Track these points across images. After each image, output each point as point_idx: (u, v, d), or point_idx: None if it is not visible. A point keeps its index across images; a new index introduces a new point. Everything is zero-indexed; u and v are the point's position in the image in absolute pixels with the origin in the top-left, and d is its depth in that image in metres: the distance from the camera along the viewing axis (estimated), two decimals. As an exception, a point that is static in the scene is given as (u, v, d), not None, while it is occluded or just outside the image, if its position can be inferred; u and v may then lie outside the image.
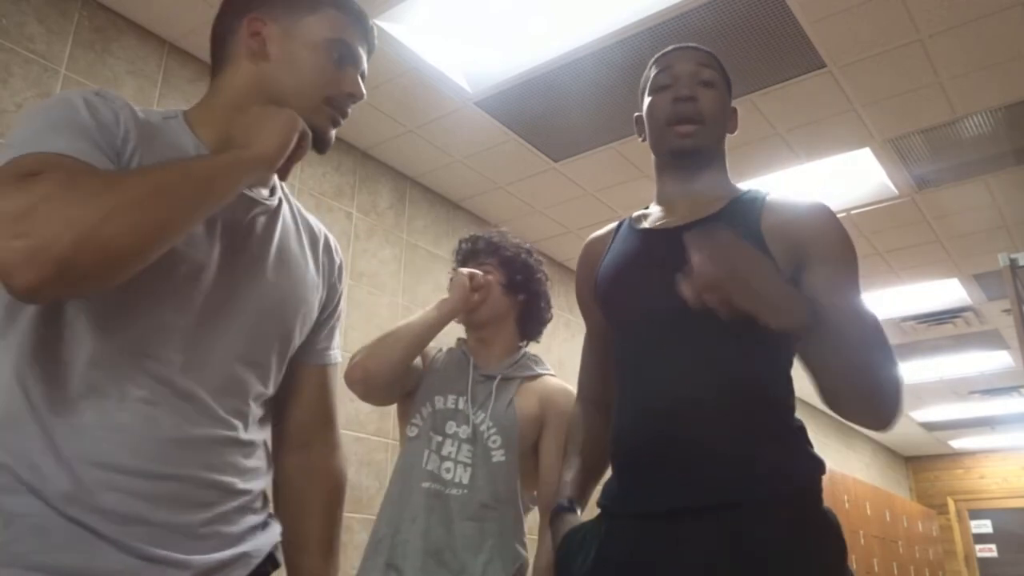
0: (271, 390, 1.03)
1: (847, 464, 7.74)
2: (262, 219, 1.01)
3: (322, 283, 1.10)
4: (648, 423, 1.10)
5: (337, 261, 1.15)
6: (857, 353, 0.99)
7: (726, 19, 2.51)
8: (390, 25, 2.61)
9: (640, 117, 1.29)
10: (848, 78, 2.83)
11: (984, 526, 8.95)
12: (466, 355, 1.70)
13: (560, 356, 4.23)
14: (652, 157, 1.29)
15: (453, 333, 1.75)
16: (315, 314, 1.08)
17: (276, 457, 1.07)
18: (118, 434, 0.84)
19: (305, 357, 1.10)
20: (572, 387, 1.68)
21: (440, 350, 1.74)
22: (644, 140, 1.28)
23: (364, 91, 1.03)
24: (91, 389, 0.84)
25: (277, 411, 1.07)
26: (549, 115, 3.08)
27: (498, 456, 1.54)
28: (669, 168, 1.26)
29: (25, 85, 2.29)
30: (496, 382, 1.63)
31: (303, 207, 1.13)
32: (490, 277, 1.65)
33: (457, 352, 1.73)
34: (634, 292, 1.19)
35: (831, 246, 1.11)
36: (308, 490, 1.10)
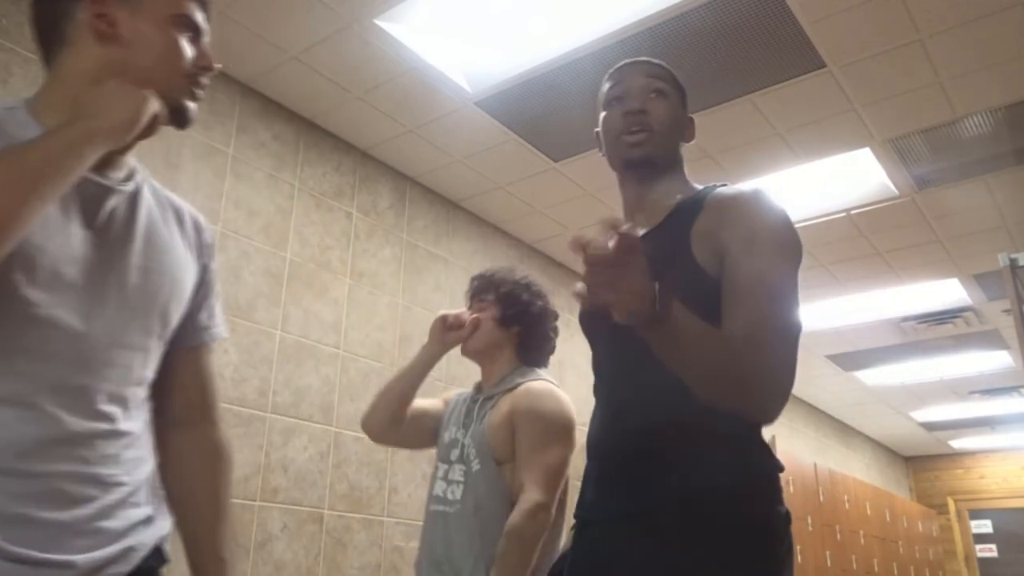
0: (151, 373, 1.03)
1: (847, 464, 7.74)
2: (122, 205, 0.99)
3: (194, 263, 1.10)
4: (608, 435, 1.17)
5: (207, 240, 1.15)
6: (708, 359, 0.97)
7: (726, 19, 2.51)
8: (390, 25, 2.62)
9: (598, 132, 1.33)
10: (848, 78, 2.83)
11: (984, 526, 8.95)
12: (476, 388, 1.88)
13: (559, 356, 4.22)
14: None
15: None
16: (188, 294, 1.08)
17: (161, 437, 1.08)
18: None
19: (184, 339, 1.10)
20: (554, 389, 1.72)
21: (461, 392, 1.93)
22: (604, 155, 1.31)
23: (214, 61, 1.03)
24: None
25: (159, 393, 1.07)
26: (549, 115, 3.08)
27: (475, 466, 1.68)
28: (626, 180, 1.29)
29: (25, 85, 2.29)
30: (479, 403, 1.78)
31: (167, 188, 1.12)
32: (475, 315, 1.84)
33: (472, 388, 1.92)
34: (598, 327, 1.26)
35: (742, 231, 1.08)
36: (195, 464, 1.12)
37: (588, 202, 3.76)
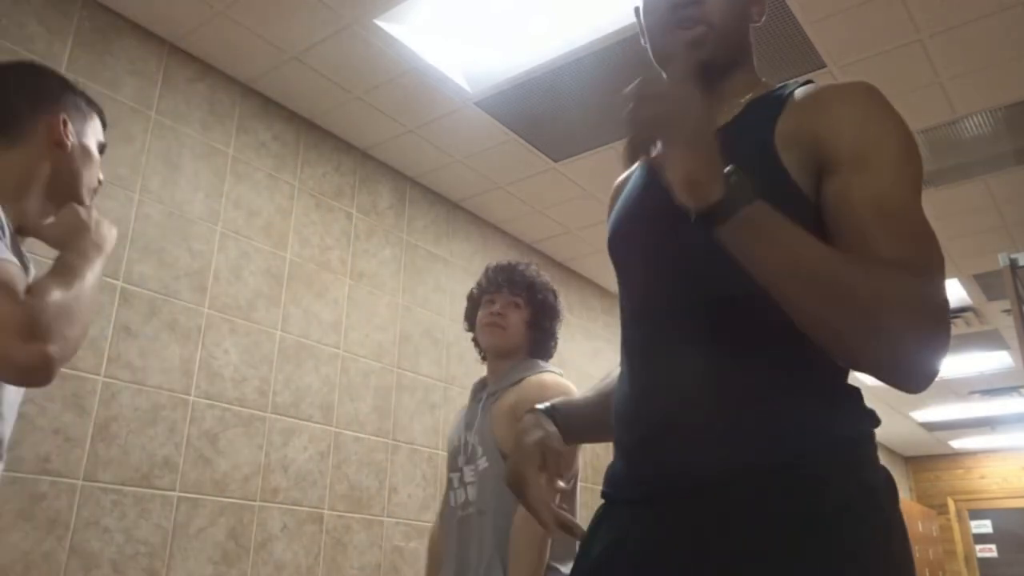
0: None
1: (847, 464, 7.74)
2: None
3: None
4: (638, 400, 0.92)
5: None
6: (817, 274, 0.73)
7: (726, 19, 2.52)
8: (390, 25, 2.62)
9: (637, 9, 1.05)
10: (848, 78, 2.82)
11: (984, 526, 8.96)
12: (478, 387, 1.87)
13: (560, 356, 4.23)
14: None
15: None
16: None
17: None
18: None
19: None
20: (562, 381, 1.71)
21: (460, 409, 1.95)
22: (645, 43, 1.04)
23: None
24: None
25: None
26: (549, 115, 3.08)
27: (482, 464, 1.65)
28: None
29: (25, 85, 2.29)
30: (483, 401, 1.76)
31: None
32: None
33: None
34: (632, 242, 1.00)
35: (851, 142, 0.81)
36: None
37: (588, 202, 3.76)
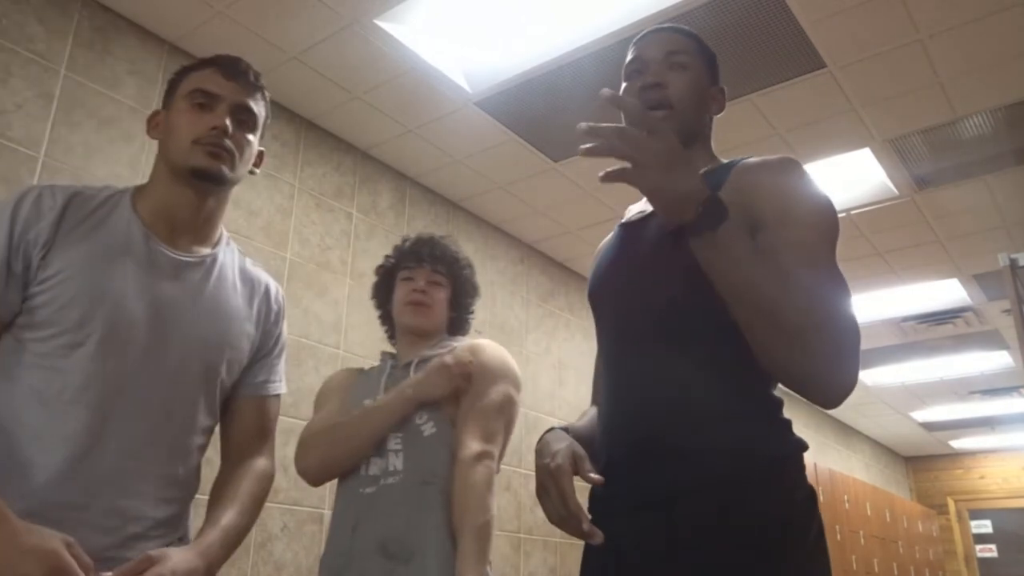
0: (206, 420, 1.22)
1: (847, 464, 7.74)
2: (194, 275, 1.21)
3: (254, 329, 1.28)
4: (616, 424, 1.11)
5: (275, 308, 1.34)
6: (770, 290, 0.92)
7: (726, 19, 2.51)
8: (390, 25, 2.62)
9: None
10: (848, 78, 2.83)
11: (984, 526, 8.95)
12: (384, 360, 1.70)
13: (560, 356, 4.23)
14: None
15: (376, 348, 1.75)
16: (246, 355, 1.27)
17: (221, 467, 1.27)
18: None
19: (243, 390, 1.30)
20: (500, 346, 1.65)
21: (363, 369, 1.76)
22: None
23: (226, 122, 1.19)
24: None
25: (225, 432, 1.29)
26: (549, 115, 3.08)
27: (428, 429, 1.52)
28: None
29: (25, 85, 2.29)
30: (414, 365, 1.60)
31: (251, 261, 1.34)
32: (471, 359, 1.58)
33: (379, 362, 1.73)
34: (607, 289, 1.19)
35: (777, 205, 1.01)
36: (239, 477, 1.25)
37: (588, 202, 3.76)
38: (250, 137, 1.24)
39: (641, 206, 1.25)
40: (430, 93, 2.96)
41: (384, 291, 1.77)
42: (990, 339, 5.47)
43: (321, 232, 3.13)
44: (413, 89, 2.93)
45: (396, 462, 1.50)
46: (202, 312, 1.20)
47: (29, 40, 2.32)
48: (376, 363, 1.75)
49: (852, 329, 0.94)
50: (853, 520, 6.23)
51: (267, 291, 1.33)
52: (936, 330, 5.34)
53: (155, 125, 1.25)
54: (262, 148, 1.31)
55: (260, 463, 1.28)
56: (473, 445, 1.47)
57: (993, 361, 5.94)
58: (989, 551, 8.84)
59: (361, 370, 1.76)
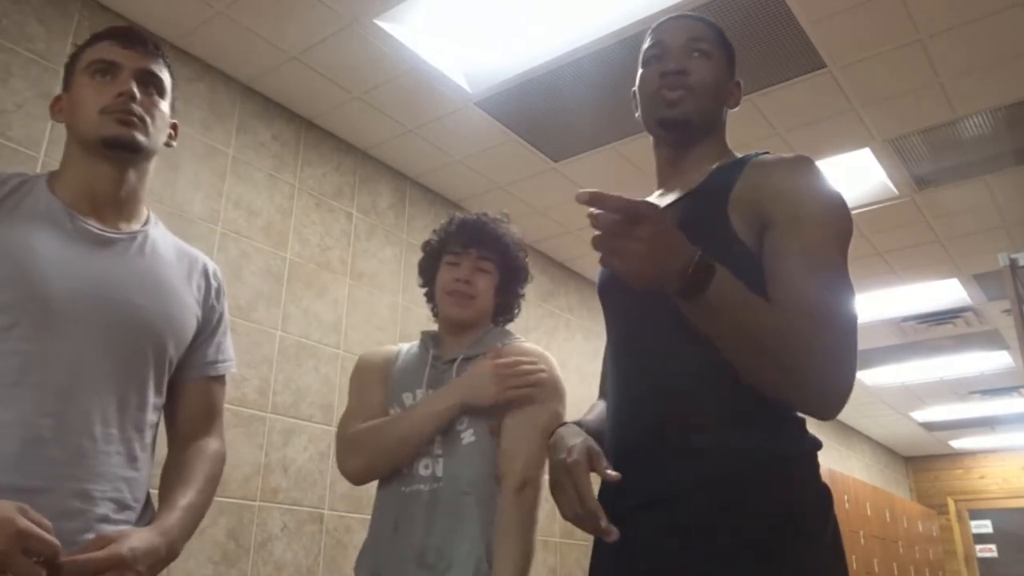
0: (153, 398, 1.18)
1: (847, 464, 7.74)
2: (126, 250, 1.17)
3: (197, 305, 1.26)
4: (623, 421, 1.09)
5: (214, 284, 1.32)
6: (763, 337, 0.91)
7: (726, 20, 2.51)
8: (390, 25, 2.62)
9: (635, 91, 1.23)
10: (848, 78, 2.83)
11: (984, 526, 8.95)
12: (426, 345, 1.61)
13: (560, 356, 4.23)
14: (653, 153, 1.25)
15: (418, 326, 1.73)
16: (191, 331, 1.24)
17: (169, 451, 1.25)
18: None
19: (190, 371, 1.26)
20: (541, 349, 1.61)
21: (401, 350, 1.67)
22: (639, 115, 1.22)
23: (132, 87, 1.15)
24: None
25: (170, 415, 1.25)
26: (549, 115, 3.08)
27: (467, 437, 1.47)
28: (660, 142, 1.20)
29: (25, 85, 2.29)
30: (457, 363, 1.54)
31: (179, 238, 1.31)
32: (530, 367, 1.50)
33: (419, 345, 1.65)
34: (616, 286, 1.15)
35: (788, 204, 0.99)
36: (190, 459, 1.23)
37: (588, 202, 3.76)
38: (160, 102, 1.21)
39: (654, 196, 1.23)
40: (430, 93, 2.96)
41: (430, 270, 1.68)
42: (990, 339, 5.47)
43: (321, 232, 3.13)
44: (413, 89, 2.93)
45: (437, 468, 1.45)
46: (142, 287, 1.15)
47: (29, 40, 2.32)
48: (413, 344, 1.67)
49: (848, 345, 0.94)
50: (853, 520, 6.24)
51: (205, 268, 1.30)
52: (936, 330, 5.34)
53: (59, 109, 1.20)
54: (175, 121, 1.28)
55: (212, 444, 1.26)
56: (521, 471, 1.41)
57: (993, 361, 5.93)
58: (989, 551, 8.84)
59: (399, 351, 1.67)
